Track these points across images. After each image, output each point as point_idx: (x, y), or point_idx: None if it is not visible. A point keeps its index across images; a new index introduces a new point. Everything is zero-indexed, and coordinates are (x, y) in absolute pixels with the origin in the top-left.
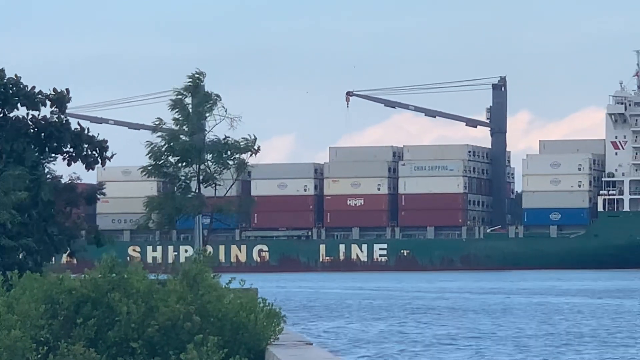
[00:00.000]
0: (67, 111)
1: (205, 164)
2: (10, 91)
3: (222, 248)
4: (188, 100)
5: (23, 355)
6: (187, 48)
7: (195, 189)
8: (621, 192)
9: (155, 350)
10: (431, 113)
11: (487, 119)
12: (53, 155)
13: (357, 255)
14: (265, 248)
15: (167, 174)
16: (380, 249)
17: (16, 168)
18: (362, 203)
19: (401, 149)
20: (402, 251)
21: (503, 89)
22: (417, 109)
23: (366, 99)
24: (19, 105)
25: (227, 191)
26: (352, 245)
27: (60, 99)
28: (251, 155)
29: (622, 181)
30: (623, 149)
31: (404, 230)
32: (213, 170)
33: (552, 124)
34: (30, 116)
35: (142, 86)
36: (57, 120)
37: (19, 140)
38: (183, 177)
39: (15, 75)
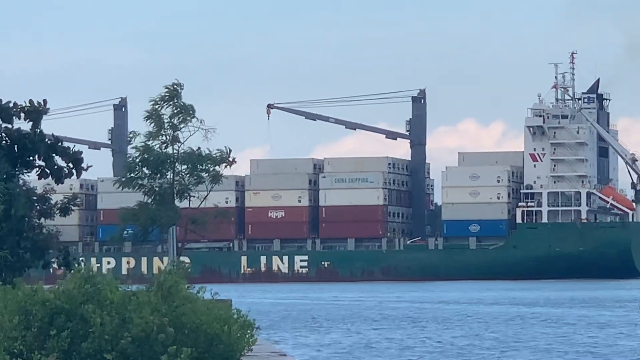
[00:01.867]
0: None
1: (180, 175)
2: None
3: (144, 260)
4: (163, 110)
5: None
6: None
7: (170, 201)
8: (539, 204)
9: None
10: (351, 125)
11: (407, 131)
12: (25, 169)
13: (278, 267)
14: (187, 260)
15: (142, 185)
16: (301, 260)
17: None
18: (283, 215)
19: (321, 161)
20: (322, 263)
21: (423, 102)
22: (338, 121)
23: (287, 111)
24: None
25: (201, 202)
26: (273, 256)
27: (35, 111)
28: (226, 166)
29: (541, 193)
30: (541, 161)
31: (325, 241)
32: (187, 182)
33: (471, 137)
34: (4, 128)
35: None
36: (30, 132)
37: None
38: (157, 189)
39: None
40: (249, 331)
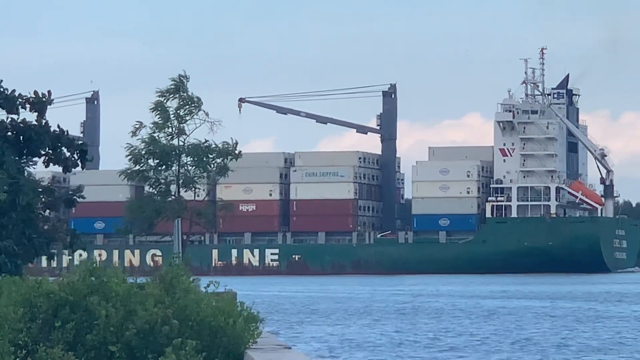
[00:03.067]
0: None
1: (185, 167)
2: None
3: (116, 252)
4: (169, 103)
5: (1, 358)
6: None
7: (175, 193)
8: (509, 199)
9: (134, 354)
10: (322, 120)
11: (378, 125)
12: (32, 158)
13: (249, 260)
14: (158, 253)
15: (147, 177)
16: (271, 254)
17: None
18: (254, 208)
19: (293, 155)
20: (293, 256)
21: (393, 96)
22: (309, 116)
23: (258, 105)
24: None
25: (206, 195)
26: (244, 250)
27: (40, 102)
28: (232, 159)
29: (510, 188)
30: (511, 156)
31: (295, 235)
32: (193, 174)
33: (442, 131)
34: (9, 119)
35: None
36: (36, 123)
37: None
38: (163, 181)
39: None
40: (253, 324)
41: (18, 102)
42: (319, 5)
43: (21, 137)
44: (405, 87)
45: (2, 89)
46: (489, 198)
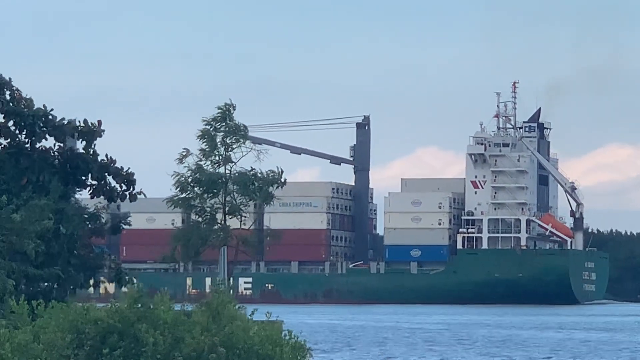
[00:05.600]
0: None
1: (231, 195)
2: (40, 122)
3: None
4: (216, 131)
5: None
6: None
7: (221, 221)
8: (480, 230)
9: None
10: (296, 150)
11: (351, 156)
12: (77, 188)
13: None
14: (133, 281)
15: (193, 205)
16: (245, 282)
17: (41, 198)
18: None
19: None
20: (266, 285)
21: (367, 128)
22: (283, 146)
23: None
24: (47, 135)
25: (252, 223)
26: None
27: (89, 132)
28: (277, 187)
29: (481, 220)
30: (482, 188)
31: (269, 264)
32: (239, 202)
33: (414, 163)
34: (57, 147)
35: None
36: (84, 151)
37: (45, 172)
38: (209, 209)
39: (44, 106)
40: (300, 353)
41: (66, 131)
42: (292, 36)
43: (68, 165)
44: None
45: (51, 117)
46: (460, 229)
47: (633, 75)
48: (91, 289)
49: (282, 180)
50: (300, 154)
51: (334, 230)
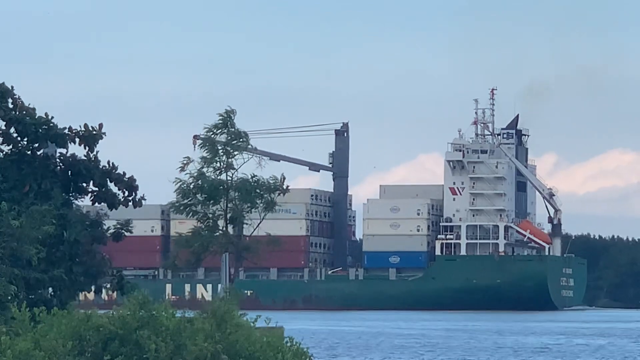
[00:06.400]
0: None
1: (233, 202)
2: (41, 130)
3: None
4: (217, 138)
5: None
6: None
7: (222, 227)
8: (458, 237)
9: None
10: (275, 157)
11: (330, 163)
12: (79, 194)
13: (202, 295)
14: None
15: (195, 212)
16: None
17: (43, 204)
18: None
19: None
20: (245, 291)
21: (345, 135)
22: (262, 153)
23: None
24: (48, 142)
25: (254, 230)
26: (197, 284)
27: (90, 136)
28: (279, 194)
29: (460, 226)
30: (460, 194)
31: (248, 270)
32: (240, 209)
33: (393, 170)
34: (58, 154)
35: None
36: (85, 157)
37: (47, 178)
38: (211, 216)
39: (46, 114)
40: (302, 359)
41: (67, 137)
42: (272, 44)
43: (69, 171)
44: (357, 126)
45: (52, 124)
46: (439, 236)
47: (620, 79)
48: (92, 294)
49: (284, 187)
50: (279, 160)
51: (313, 237)
